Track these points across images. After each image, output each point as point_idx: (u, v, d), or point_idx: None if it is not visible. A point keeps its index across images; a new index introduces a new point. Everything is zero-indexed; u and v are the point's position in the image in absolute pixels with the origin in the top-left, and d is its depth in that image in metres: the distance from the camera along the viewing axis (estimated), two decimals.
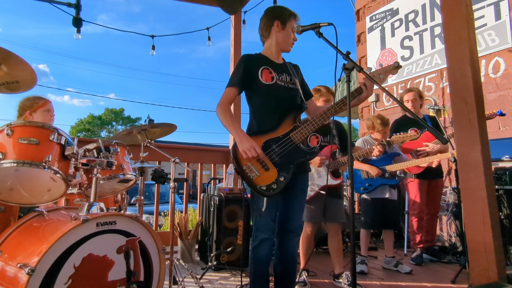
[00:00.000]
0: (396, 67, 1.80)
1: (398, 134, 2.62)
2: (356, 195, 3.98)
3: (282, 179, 1.71)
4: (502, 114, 2.93)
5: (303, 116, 2.02)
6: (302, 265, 2.65)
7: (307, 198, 2.58)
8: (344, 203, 3.42)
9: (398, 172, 4.19)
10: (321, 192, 2.60)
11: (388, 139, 2.68)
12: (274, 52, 1.94)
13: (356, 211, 4.10)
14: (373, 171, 2.99)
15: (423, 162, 3.09)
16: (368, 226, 3.13)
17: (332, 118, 1.84)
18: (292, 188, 1.84)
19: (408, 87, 5.13)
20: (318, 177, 2.70)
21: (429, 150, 3.20)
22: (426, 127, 1.46)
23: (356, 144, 3.08)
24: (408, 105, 3.40)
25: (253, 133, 1.80)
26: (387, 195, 3.05)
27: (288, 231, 1.87)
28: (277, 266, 1.90)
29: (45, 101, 2.31)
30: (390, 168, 3.02)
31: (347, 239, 3.69)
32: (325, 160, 2.63)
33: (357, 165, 3.05)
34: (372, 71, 1.83)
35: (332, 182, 2.63)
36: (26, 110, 2.24)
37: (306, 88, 2.05)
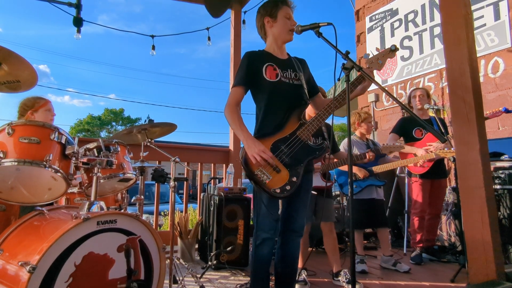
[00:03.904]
0: (393, 50, 1.77)
1: (387, 144, 2.91)
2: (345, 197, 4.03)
3: (294, 179, 1.70)
4: (508, 111, 2.83)
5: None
6: (300, 265, 2.65)
7: None
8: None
9: (398, 172, 4.21)
10: (312, 192, 2.61)
11: (377, 147, 2.84)
12: (276, 47, 1.91)
13: None
14: (360, 172, 3.03)
15: (409, 163, 3.19)
16: (357, 225, 3.15)
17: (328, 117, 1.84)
18: (297, 188, 1.84)
19: (407, 87, 5.15)
20: None
21: (433, 150, 3.21)
22: (425, 126, 1.46)
23: (342, 144, 3.10)
24: (416, 101, 3.46)
25: (261, 135, 1.77)
26: (373, 196, 3.09)
27: (292, 231, 1.87)
28: (278, 265, 1.90)
29: (46, 101, 2.35)
30: (377, 169, 3.06)
31: (346, 239, 3.71)
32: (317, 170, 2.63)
33: (344, 167, 3.06)
34: (370, 57, 1.83)
35: (322, 184, 2.66)
36: (28, 110, 2.28)
37: (313, 83, 2.02)
